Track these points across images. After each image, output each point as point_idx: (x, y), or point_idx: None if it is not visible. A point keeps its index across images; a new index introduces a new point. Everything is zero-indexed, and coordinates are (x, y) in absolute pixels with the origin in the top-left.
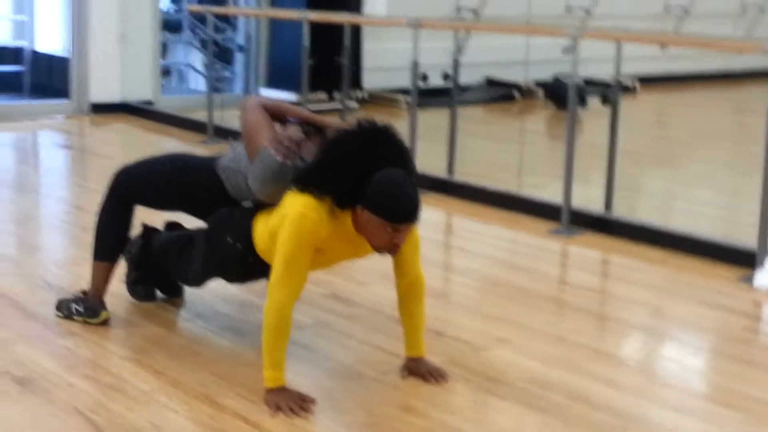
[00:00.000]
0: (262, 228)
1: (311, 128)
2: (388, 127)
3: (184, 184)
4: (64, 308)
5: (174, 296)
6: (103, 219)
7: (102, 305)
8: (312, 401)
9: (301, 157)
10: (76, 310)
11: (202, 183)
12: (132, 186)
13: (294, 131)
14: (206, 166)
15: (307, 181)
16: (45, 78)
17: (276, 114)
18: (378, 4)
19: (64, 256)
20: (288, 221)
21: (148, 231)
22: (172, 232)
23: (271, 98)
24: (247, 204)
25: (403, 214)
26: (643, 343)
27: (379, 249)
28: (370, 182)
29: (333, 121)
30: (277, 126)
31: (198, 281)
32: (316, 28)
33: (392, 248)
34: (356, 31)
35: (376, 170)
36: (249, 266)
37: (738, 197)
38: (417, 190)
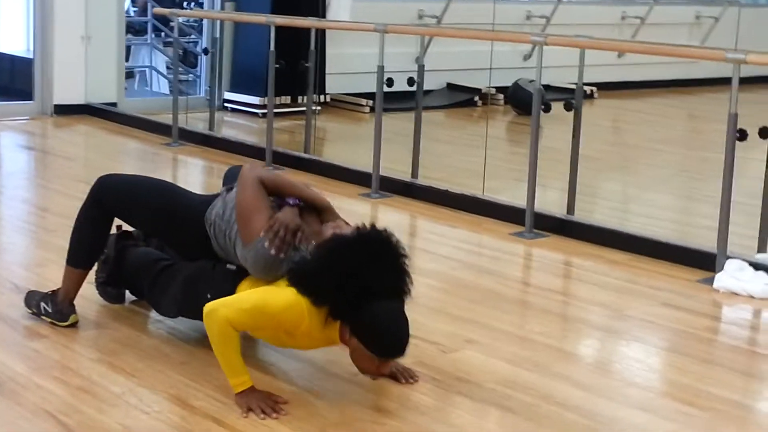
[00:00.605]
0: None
1: (306, 206)
2: (388, 236)
3: (170, 225)
4: (33, 305)
5: (144, 298)
6: (80, 225)
7: (71, 308)
8: (284, 401)
9: (296, 247)
10: (45, 309)
11: (189, 230)
12: (115, 200)
13: (291, 217)
14: (195, 214)
15: (307, 289)
16: (6, 79)
17: (274, 191)
18: (341, 11)
19: (30, 257)
20: (282, 295)
21: (124, 236)
22: (148, 251)
23: (269, 172)
24: (230, 267)
25: (394, 352)
26: (607, 344)
27: (362, 372)
28: (364, 315)
29: (329, 204)
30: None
31: (171, 315)
32: (280, 32)
33: (376, 375)
34: (321, 36)
35: (374, 291)
36: None
37: (693, 202)
38: (408, 325)
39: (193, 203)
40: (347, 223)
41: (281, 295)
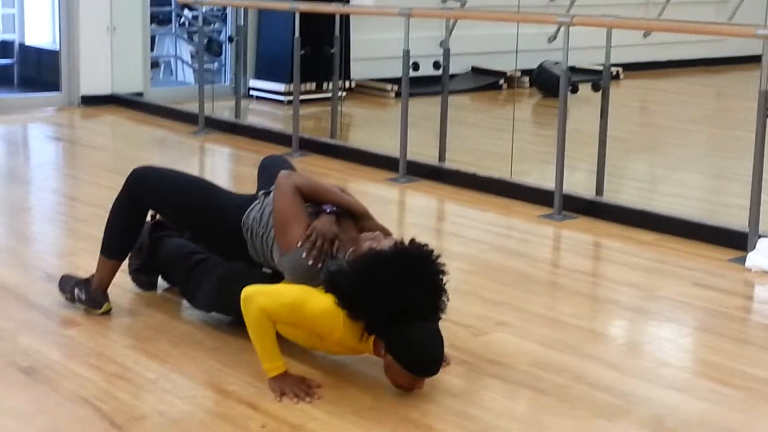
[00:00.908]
0: None
1: (343, 212)
2: (428, 252)
3: (206, 225)
4: (67, 290)
5: (176, 285)
6: (114, 217)
7: (105, 296)
8: (317, 386)
9: (333, 256)
10: (78, 296)
11: (224, 232)
12: (150, 196)
13: (328, 226)
14: (232, 218)
15: (343, 303)
16: (33, 71)
17: (311, 197)
18: None
19: (61, 246)
20: (322, 302)
21: (158, 226)
22: (182, 243)
23: (305, 179)
24: (266, 270)
25: (428, 371)
26: (639, 325)
27: (396, 386)
28: (400, 333)
29: (365, 209)
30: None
31: (205, 310)
32: (304, 19)
33: (410, 390)
34: (345, 21)
35: (410, 310)
36: None
37: (724, 180)
38: (443, 344)
39: (230, 205)
40: (385, 229)
41: (321, 300)
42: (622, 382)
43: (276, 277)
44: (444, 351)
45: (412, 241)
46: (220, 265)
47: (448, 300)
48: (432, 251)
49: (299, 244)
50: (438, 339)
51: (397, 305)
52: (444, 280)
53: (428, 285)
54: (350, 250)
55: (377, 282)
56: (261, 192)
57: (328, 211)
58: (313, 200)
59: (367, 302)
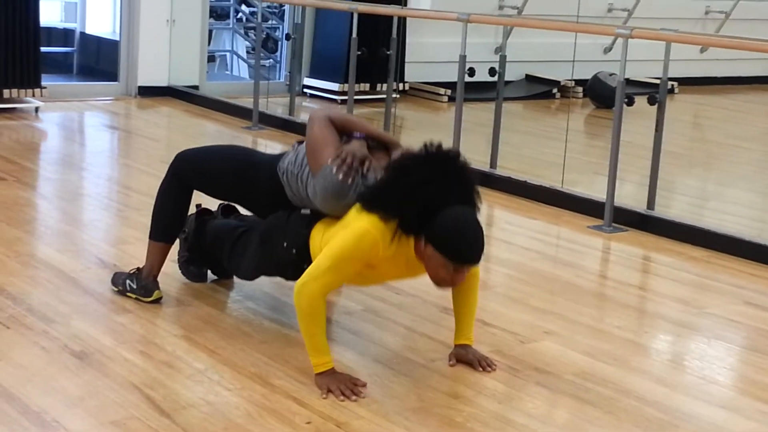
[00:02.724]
0: (319, 238)
1: (376, 144)
2: (455, 154)
3: (244, 182)
4: (119, 283)
5: (224, 277)
6: (160, 200)
7: (155, 284)
8: (363, 384)
9: (364, 174)
10: (130, 286)
11: (262, 184)
12: (192, 172)
13: (358, 147)
14: (267, 167)
15: (375, 202)
16: (93, 60)
17: (343, 128)
18: (422, 0)
19: (114, 234)
20: (350, 230)
21: (203, 213)
22: (227, 221)
23: (338, 111)
24: (305, 212)
25: (468, 257)
26: (687, 341)
27: (438, 283)
28: (438, 219)
29: (399, 143)
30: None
31: (250, 276)
32: (361, 19)
33: (451, 285)
34: (402, 24)
35: (443, 201)
36: (303, 270)
37: None
38: (482, 231)
39: (264, 158)
40: None
41: (348, 232)
42: (669, 398)
43: (315, 217)
44: (483, 240)
45: (440, 145)
46: (261, 227)
47: (481, 201)
48: (460, 154)
49: (330, 161)
50: (476, 226)
51: (429, 196)
52: (473, 179)
53: (458, 179)
54: (381, 171)
55: (408, 177)
56: (295, 142)
57: (358, 136)
58: (346, 131)
59: (399, 197)
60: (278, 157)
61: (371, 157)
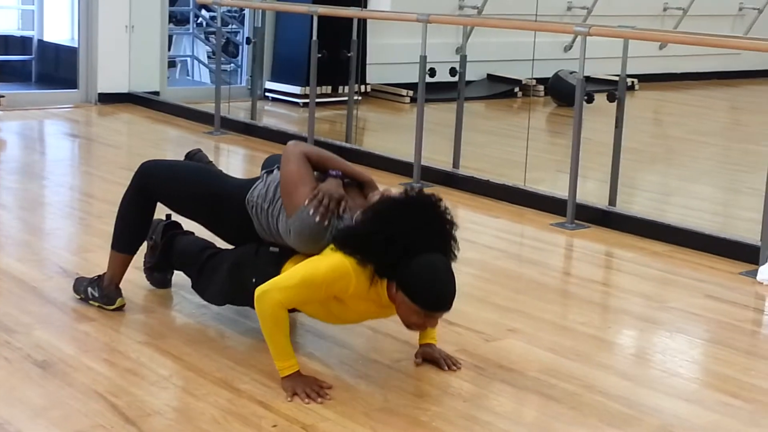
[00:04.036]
0: None
1: (352, 181)
2: (437, 200)
3: (210, 211)
4: (81, 290)
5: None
6: (124, 210)
7: (117, 292)
8: (328, 386)
9: (340, 215)
10: (92, 294)
11: (229, 215)
12: (157, 185)
13: (335, 187)
14: (236, 197)
15: (353, 248)
16: (51, 67)
17: (318, 164)
18: (382, 1)
19: (77, 242)
20: (328, 259)
21: (171, 226)
22: (194, 239)
23: (313, 147)
24: (273, 249)
25: (438, 305)
26: (650, 335)
27: (409, 327)
28: (411, 266)
29: (372, 179)
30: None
31: (218, 302)
32: (322, 22)
33: (423, 329)
34: (362, 26)
35: (421, 248)
36: None
37: (736, 194)
38: (453, 279)
39: (234, 187)
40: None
41: (325, 261)
42: (632, 392)
43: (284, 255)
44: (455, 287)
45: (421, 190)
46: (230, 254)
47: (458, 249)
48: (440, 199)
49: (306, 202)
50: (449, 273)
51: (406, 243)
52: (454, 228)
53: (437, 227)
54: (358, 213)
55: (386, 222)
56: (263, 171)
57: (334, 174)
58: (321, 168)
59: (376, 242)
60: (247, 188)
61: (347, 197)
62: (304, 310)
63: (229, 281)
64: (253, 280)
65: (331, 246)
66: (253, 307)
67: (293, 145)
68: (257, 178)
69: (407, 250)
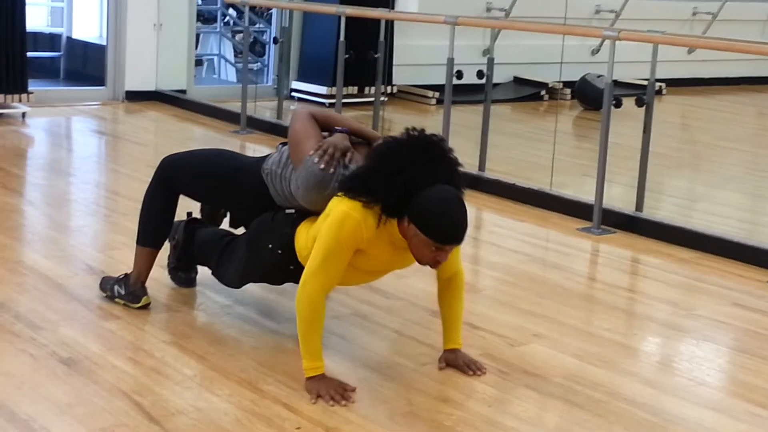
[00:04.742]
0: (304, 236)
1: (359, 139)
2: (438, 139)
3: (229, 187)
4: (107, 288)
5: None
6: (147, 205)
7: (143, 290)
8: (352, 389)
9: (346, 165)
10: (118, 292)
11: (247, 188)
12: (178, 176)
13: (340, 140)
14: (253, 169)
15: (355, 188)
16: (80, 65)
17: (325, 123)
18: (410, 3)
19: (102, 240)
20: (331, 218)
21: (192, 222)
22: (214, 230)
23: (320, 108)
24: (289, 211)
25: (449, 236)
26: (676, 343)
27: (421, 262)
28: (419, 198)
29: (380, 136)
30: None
31: (236, 284)
32: (349, 23)
33: (434, 264)
34: (389, 27)
35: (426, 183)
36: (289, 273)
37: (764, 200)
38: (465, 210)
39: (249, 162)
40: None
41: (330, 221)
42: (658, 400)
43: (299, 216)
44: (466, 219)
45: (423, 130)
46: (248, 233)
47: (463, 185)
48: (443, 138)
49: (311, 152)
50: (459, 205)
51: (410, 179)
52: (456, 163)
53: (440, 162)
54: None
55: (390, 161)
56: (279, 144)
57: (340, 129)
58: (328, 127)
59: (379, 181)
60: (262, 159)
61: (353, 149)
62: (344, 281)
63: (247, 254)
64: (270, 245)
65: (337, 196)
66: (270, 281)
67: (300, 107)
68: (272, 153)
69: (412, 186)
